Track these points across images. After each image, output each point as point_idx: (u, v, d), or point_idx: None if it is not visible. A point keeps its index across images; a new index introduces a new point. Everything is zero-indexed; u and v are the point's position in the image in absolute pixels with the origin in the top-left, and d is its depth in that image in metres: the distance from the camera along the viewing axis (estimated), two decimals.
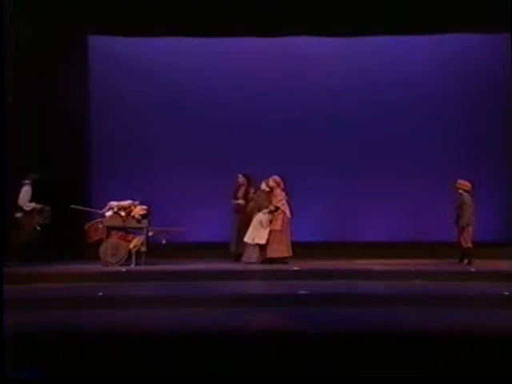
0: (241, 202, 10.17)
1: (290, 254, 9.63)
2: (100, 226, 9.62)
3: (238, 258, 10.01)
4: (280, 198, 9.68)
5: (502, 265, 9.49)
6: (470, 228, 9.53)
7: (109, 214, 9.58)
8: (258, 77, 11.22)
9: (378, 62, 11.26)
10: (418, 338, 5.79)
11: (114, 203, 9.63)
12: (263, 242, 9.61)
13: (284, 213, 9.64)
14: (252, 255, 9.69)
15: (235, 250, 10.11)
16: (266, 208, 9.69)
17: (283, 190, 9.78)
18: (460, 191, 9.64)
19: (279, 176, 9.80)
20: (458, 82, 11.17)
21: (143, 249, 9.41)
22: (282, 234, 9.60)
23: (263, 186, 9.88)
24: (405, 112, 11.26)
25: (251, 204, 10.07)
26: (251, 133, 11.19)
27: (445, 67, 11.17)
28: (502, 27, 10.32)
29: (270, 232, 9.61)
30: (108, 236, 9.52)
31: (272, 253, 9.59)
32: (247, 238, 9.72)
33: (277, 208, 9.64)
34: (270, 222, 9.64)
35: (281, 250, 9.57)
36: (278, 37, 10.95)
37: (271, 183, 9.77)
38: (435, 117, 11.22)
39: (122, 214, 9.52)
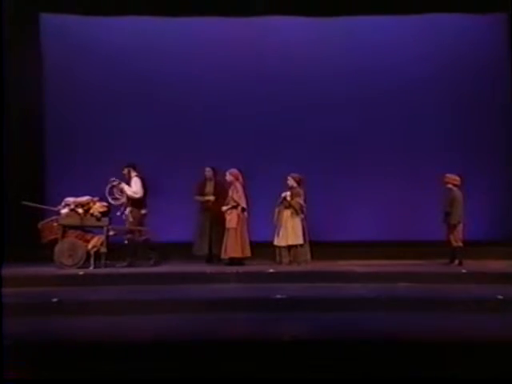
0: (211, 198, 9.64)
1: (247, 254, 9.22)
2: (55, 224, 9.21)
3: (210, 259, 9.61)
4: (240, 194, 9.25)
5: (494, 265, 9.22)
6: (461, 226, 9.16)
7: (65, 211, 9.20)
8: (228, 61, 10.79)
9: (364, 44, 10.91)
10: (404, 345, 5.55)
11: (70, 199, 9.25)
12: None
13: (242, 209, 9.22)
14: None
15: (205, 252, 9.64)
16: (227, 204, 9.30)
17: (242, 185, 9.33)
18: (449, 186, 9.21)
19: (238, 170, 9.38)
20: (450, 67, 10.85)
21: (103, 249, 9.07)
22: (237, 232, 9.15)
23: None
24: (392, 103, 10.96)
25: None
26: (219, 125, 10.81)
27: (437, 50, 10.80)
28: (499, 7, 10.25)
29: (227, 230, 9.22)
30: (64, 235, 9.12)
31: (226, 253, 9.21)
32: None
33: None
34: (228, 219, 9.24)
35: (235, 249, 9.15)
36: (251, 17, 10.58)
37: (228, 177, 9.33)
38: (425, 108, 10.91)
39: (80, 211, 9.15)
